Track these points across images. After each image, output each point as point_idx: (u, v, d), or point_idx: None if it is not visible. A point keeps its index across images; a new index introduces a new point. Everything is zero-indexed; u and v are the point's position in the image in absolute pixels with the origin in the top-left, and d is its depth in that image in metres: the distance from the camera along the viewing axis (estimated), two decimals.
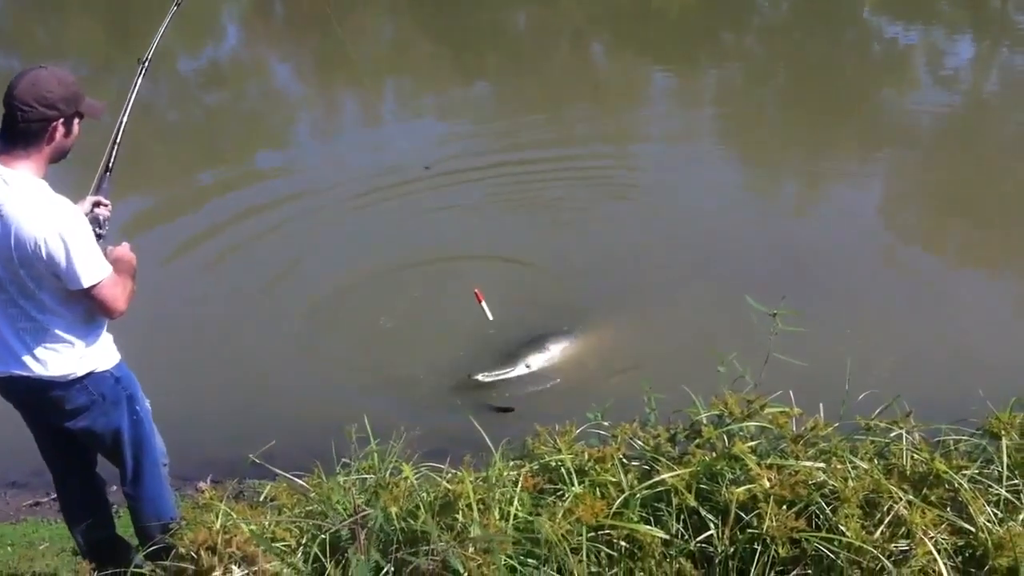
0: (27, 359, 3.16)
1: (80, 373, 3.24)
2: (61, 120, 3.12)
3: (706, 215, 7.92)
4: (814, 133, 9.85)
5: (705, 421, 3.20)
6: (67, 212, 3.08)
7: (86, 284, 3.09)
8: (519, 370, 5.79)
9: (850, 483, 2.88)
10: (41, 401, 3.29)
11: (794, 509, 2.82)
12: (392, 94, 12.42)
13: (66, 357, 3.21)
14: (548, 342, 6.03)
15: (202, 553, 2.71)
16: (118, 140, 3.44)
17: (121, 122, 3.48)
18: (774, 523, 2.76)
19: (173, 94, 13.00)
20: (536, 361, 5.86)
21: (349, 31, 15.40)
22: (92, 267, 3.10)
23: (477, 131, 10.22)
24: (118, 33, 15.04)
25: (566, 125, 10.58)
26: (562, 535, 2.77)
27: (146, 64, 3.84)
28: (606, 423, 3.38)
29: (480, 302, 5.32)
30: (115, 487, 3.82)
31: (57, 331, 3.17)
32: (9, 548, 4.58)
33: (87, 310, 3.23)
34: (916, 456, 3.03)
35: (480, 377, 5.66)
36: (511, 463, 3.20)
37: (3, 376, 3.23)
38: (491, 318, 5.36)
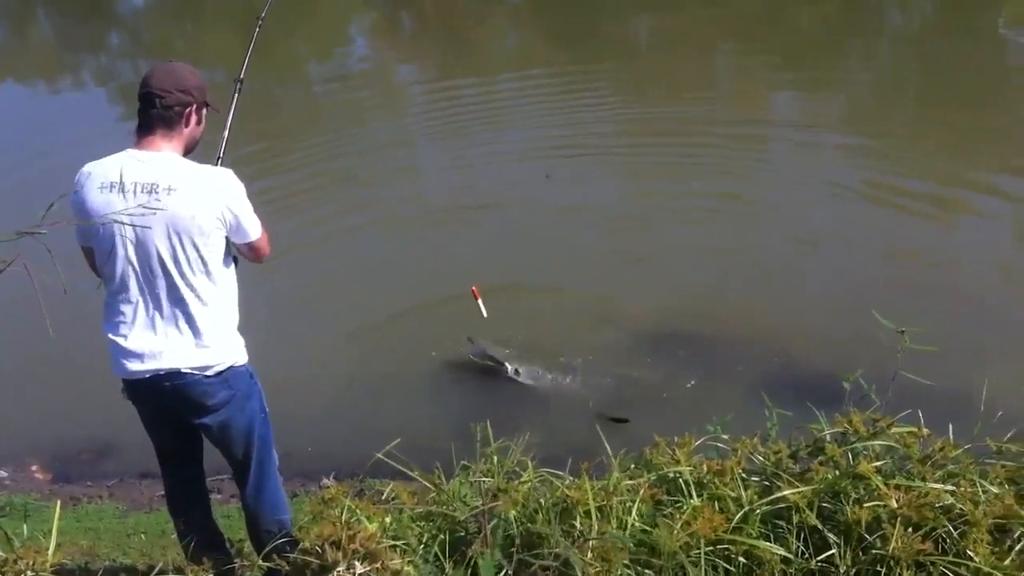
0: (180, 350, 3.23)
1: (225, 366, 3.32)
2: (195, 107, 3.29)
3: (832, 225, 7.77)
4: (947, 144, 9.49)
5: (828, 438, 3.14)
6: (230, 175, 3.28)
7: (256, 236, 3.36)
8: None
9: (980, 507, 2.79)
10: (183, 397, 3.31)
11: (920, 532, 2.75)
12: (513, 99, 12.45)
13: (216, 348, 3.29)
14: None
15: (327, 548, 2.79)
16: (221, 156, 3.58)
17: (223, 139, 3.62)
18: (899, 545, 2.69)
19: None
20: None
21: (477, 35, 15.67)
22: (255, 219, 3.35)
23: (595, 141, 10.18)
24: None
25: (690, 125, 10.50)
26: (679, 547, 2.76)
27: (240, 83, 3.97)
28: (725, 436, 3.35)
29: (477, 299, 5.34)
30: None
31: (212, 317, 3.27)
32: (143, 536, 4.77)
33: (233, 295, 3.40)
34: None
35: (479, 346, 5.77)
36: (628, 472, 3.21)
37: (147, 376, 3.25)
38: (485, 315, 5.34)
